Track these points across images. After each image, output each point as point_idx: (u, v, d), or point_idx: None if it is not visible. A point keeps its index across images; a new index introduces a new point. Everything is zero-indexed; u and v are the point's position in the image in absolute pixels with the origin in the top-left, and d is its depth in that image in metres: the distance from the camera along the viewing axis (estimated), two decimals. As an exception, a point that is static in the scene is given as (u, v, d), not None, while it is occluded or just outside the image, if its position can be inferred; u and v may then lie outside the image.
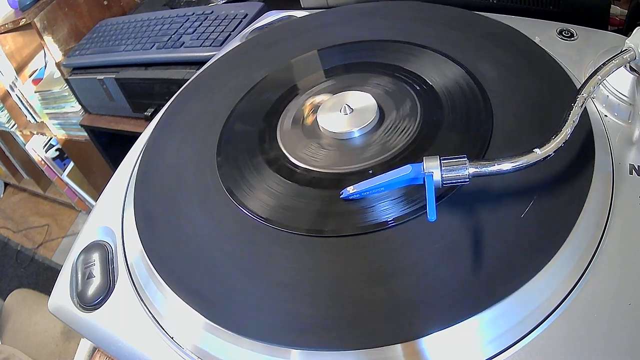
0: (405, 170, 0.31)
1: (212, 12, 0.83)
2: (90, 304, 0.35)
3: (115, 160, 1.11)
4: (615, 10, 0.50)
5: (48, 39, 1.05)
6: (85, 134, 1.09)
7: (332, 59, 0.48)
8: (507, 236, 0.29)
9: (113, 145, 1.10)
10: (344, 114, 0.39)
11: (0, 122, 1.49)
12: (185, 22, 0.84)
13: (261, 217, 0.35)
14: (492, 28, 0.45)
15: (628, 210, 0.30)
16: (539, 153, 0.28)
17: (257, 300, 0.30)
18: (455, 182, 0.29)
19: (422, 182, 0.30)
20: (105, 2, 1.13)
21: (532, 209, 0.30)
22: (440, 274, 0.29)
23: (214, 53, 0.65)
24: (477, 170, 0.29)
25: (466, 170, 0.29)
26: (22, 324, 0.90)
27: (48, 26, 1.04)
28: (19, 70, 1.30)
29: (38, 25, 1.02)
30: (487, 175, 0.29)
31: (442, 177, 0.29)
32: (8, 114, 1.46)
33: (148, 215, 0.38)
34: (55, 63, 1.07)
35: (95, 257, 0.38)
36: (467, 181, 0.29)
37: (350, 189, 0.33)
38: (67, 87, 1.04)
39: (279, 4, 0.67)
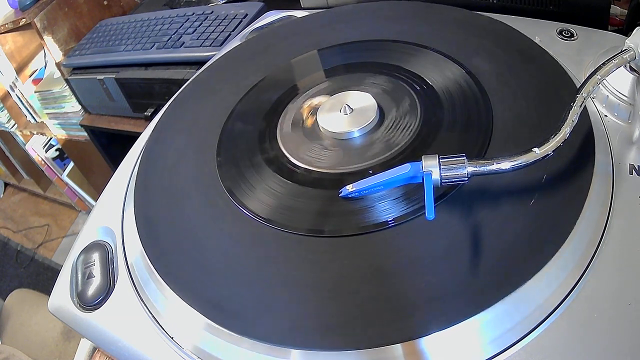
0: (404, 169, 0.31)
1: (212, 12, 0.83)
2: (90, 304, 0.35)
3: (115, 160, 1.10)
4: (615, 10, 0.50)
5: (48, 39, 1.05)
6: (85, 134, 1.09)
7: (332, 59, 0.48)
8: (507, 236, 0.29)
9: (113, 145, 1.10)
10: (344, 114, 0.39)
11: (0, 122, 1.49)
12: (185, 22, 0.84)
13: (261, 217, 0.35)
14: (492, 28, 0.44)
15: (628, 210, 0.30)
16: (537, 152, 0.28)
17: (256, 300, 0.30)
18: (454, 181, 0.29)
19: (421, 181, 0.30)
20: (105, 2, 1.13)
21: (532, 209, 0.30)
22: (440, 273, 0.29)
23: (214, 53, 0.65)
24: (475, 169, 0.29)
25: (465, 169, 0.29)
26: (22, 324, 0.90)
27: (48, 26, 1.04)
28: (19, 70, 1.30)
29: (38, 25, 1.02)
30: (486, 174, 0.29)
31: (440, 175, 0.29)
32: (8, 114, 1.46)
33: (148, 215, 0.38)
34: (55, 63, 1.07)
35: (95, 257, 0.38)
36: (466, 180, 0.29)
37: (350, 188, 0.33)
38: (67, 87, 1.04)
39: (279, 4, 0.67)
